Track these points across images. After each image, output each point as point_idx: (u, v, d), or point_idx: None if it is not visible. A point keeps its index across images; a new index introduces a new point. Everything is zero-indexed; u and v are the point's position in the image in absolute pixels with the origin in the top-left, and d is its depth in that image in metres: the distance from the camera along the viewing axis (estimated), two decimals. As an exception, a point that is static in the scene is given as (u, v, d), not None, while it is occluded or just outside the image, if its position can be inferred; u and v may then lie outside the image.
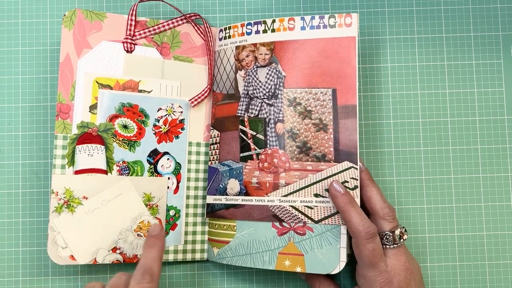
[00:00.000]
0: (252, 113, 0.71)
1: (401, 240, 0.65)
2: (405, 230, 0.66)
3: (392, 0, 0.77)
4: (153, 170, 0.71)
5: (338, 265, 0.65)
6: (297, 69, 0.69)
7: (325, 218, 0.66)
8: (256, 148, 0.70)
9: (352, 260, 0.67)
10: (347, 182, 0.66)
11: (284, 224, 0.68)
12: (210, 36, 0.74)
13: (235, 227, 0.70)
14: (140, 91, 0.71)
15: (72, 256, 0.68)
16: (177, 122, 0.73)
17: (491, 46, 0.77)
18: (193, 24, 0.74)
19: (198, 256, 0.73)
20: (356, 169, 0.66)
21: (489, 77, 0.76)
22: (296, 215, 0.67)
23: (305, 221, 0.67)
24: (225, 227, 0.71)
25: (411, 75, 0.76)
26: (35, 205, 0.74)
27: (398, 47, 0.77)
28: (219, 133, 0.72)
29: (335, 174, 0.67)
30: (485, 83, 0.76)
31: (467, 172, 0.75)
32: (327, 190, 0.66)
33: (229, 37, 0.73)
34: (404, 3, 0.77)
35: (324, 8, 0.77)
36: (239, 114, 0.72)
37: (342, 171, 0.66)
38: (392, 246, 0.64)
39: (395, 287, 0.63)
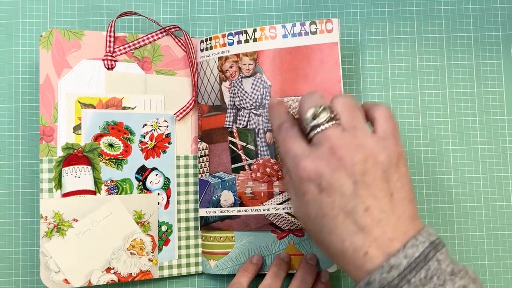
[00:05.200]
0: (240, 124, 0.74)
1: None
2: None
3: (392, 0, 0.80)
4: (142, 187, 0.74)
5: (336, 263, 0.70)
6: (282, 77, 0.72)
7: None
8: (247, 158, 0.73)
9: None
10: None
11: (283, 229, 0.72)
12: (191, 48, 0.76)
13: (233, 238, 0.74)
14: (124, 108, 0.74)
15: (66, 280, 0.70)
16: (164, 136, 0.75)
17: (491, 46, 0.80)
18: (173, 37, 0.76)
19: (193, 269, 0.76)
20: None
21: (489, 77, 0.79)
22: (292, 221, 0.71)
23: (302, 226, 0.71)
24: (221, 238, 0.74)
25: (411, 75, 0.79)
26: (35, 205, 0.76)
27: (398, 47, 0.80)
28: (207, 145, 0.75)
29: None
30: (485, 83, 0.79)
31: (467, 172, 0.78)
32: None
33: (211, 48, 0.75)
34: (404, 3, 0.80)
35: (324, 8, 0.80)
36: (227, 126, 0.74)
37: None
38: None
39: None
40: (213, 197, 0.74)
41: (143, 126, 0.75)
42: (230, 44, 0.74)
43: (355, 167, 0.54)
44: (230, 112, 0.74)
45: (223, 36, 0.75)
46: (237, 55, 0.74)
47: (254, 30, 0.73)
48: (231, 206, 0.74)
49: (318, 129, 0.57)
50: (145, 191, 0.74)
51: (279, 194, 0.72)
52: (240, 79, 0.74)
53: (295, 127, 0.61)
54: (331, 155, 0.55)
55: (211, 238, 0.75)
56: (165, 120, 0.76)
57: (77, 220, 0.71)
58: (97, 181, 0.73)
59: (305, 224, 0.59)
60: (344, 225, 0.54)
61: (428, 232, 0.53)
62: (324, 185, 0.55)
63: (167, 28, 0.76)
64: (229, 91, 0.75)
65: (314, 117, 0.57)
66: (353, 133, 0.56)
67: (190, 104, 0.76)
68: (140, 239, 0.73)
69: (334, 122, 0.57)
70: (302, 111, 0.60)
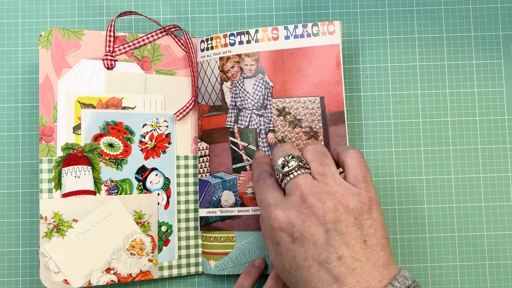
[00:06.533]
0: (242, 124, 0.75)
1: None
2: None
3: (392, 0, 0.81)
4: (142, 187, 0.74)
5: None
6: (284, 78, 0.74)
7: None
8: (249, 159, 0.74)
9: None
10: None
11: None
12: (191, 48, 0.77)
13: (234, 238, 0.75)
14: (123, 108, 0.74)
15: (65, 280, 0.70)
16: (163, 136, 0.76)
17: (491, 46, 0.80)
18: (173, 36, 0.77)
19: (193, 270, 0.76)
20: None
21: (489, 77, 0.80)
22: None
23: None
24: (222, 239, 0.75)
25: (411, 75, 0.80)
26: (35, 205, 0.77)
27: (398, 47, 0.80)
28: (207, 145, 0.76)
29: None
30: (485, 83, 0.80)
31: (467, 172, 0.79)
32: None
33: (212, 48, 0.76)
34: (404, 3, 0.81)
35: (324, 8, 0.81)
36: (228, 126, 0.75)
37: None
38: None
39: None
40: (213, 197, 0.75)
41: (143, 126, 0.75)
42: (232, 44, 0.75)
43: (326, 215, 0.56)
44: (232, 112, 0.75)
45: (225, 36, 0.76)
46: (239, 55, 0.75)
47: (256, 31, 0.75)
48: (232, 206, 0.75)
49: (288, 178, 0.59)
50: (145, 191, 0.75)
51: (281, 194, 0.73)
52: (242, 80, 0.75)
53: (272, 178, 0.64)
54: (301, 203, 0.57)
55: (211, 238, 0.76)
56: (165, 120, 0.76)
57: (77, 221, 0.72)
58: (97, 181, 0.73)
59: (283, 274, 0.60)
60: (319, 275, 0.55)
61: (403, 277, 0.54)
62: (296, 235, 0.56)
63: (167, 27, 0.77)
64: (231, 91, 0.76)
65: (284, 166, 0.60)
66: (323, 180, 0.58)
67: (190, 104, 0.77)
68: (140, 239, 0.74)
69: (303, 170, 0.59)
70: (273, 161, 0.62)
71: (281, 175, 0.60)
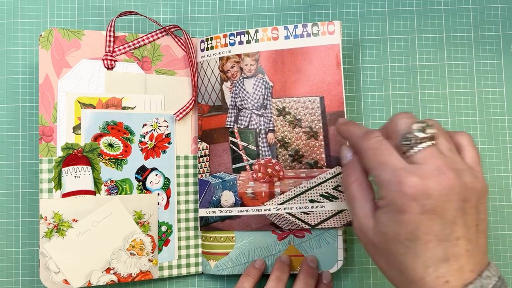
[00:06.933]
0: (242, 124, 0.75)
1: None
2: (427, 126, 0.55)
3: (392, 0, 0.81)
4: (142, 187, 0.75)
5: (336, 264, 0.72)
6: (284, 78, 0.74)
7: (321, 222, 0.71)
8: (248, 159, 0.75)
9: (350, 262, 0.73)
10: (340, 186, 0.71)
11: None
12: (191, 48, 0.77)
13: (233, 238, 0.75)
14: (123, 108, 0.75)
15: (65, 280, 0.70)
16: (163, 136, 0.76)
17: (491, 46, 0.81)
18: (173, 36, 0.77)
19: (193, 270, 0.77)
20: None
21: (490, 77, 0.80)
22: (293, 221, 0.72)
23: (303, 227, 0.72)
24: (222, 239, 0.75)
25: (411, 75, 0.80)
26: (35, 205, 0.77)
27: (398, 47, 0.81)
28: (207, 145, 0.76)
29: (328, 179, 0.72)
30: (485, 83, 0.80)
31: None
32: (321, 195, 0.71)
33: (212, 48, 0.76)
34: (404, 3, 0.81)
35: (324, 8, 0.81)
36: (228, 126, 0.76)
37: (335, 176, 0.72)
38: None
39: None
40: (213, 197, 0.76)
41: (143, 126, 0.76)
42: (232, 44, 0.75)
43: (461, 192, 0.53)
44: (231, 112, 0.76)
45: (225, 36, 0.76)
46: (239, 55, 0.75)
47: (256, 31, 0.75)
48: (232, 206, 0.75)
49: (421, 146, 0.54)
50: (145, 191, 0.75)
51: (280, 194, 0.73)
52: (242, 80, 0.75)
53: (387, 139, 0.58)
54: (440, 175, 0.53)
55: (211, 238, 0.76)
56: (165, 120, 0.77)
57: (76, 221, 0.72)
58: (96, 181, 0.73)
59: (386, 243, 0.56)
60: (434, 251, 0.52)
61: (496, 266, 0.54)
62: (428, 207, 0.52)
63: (167, 27, 0.77)
64: (230, 91, 0.76)
65: (419, 132, 0.55)
66: (452, 157, 0.55)
67: (190, 104, 0.77)
68: (140, 239, 0.74)
69: (434, 141, 0.55)
70: (402, 127, 0.56)
71: (413, 140, 0.54)
